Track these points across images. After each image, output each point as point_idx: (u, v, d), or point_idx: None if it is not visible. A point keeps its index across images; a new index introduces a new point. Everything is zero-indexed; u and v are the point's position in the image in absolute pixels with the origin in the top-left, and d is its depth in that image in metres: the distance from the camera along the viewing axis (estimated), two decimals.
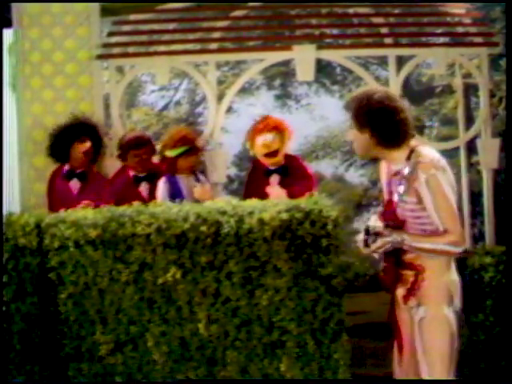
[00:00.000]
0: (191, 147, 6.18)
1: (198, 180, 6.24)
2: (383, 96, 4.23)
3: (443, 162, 4.22)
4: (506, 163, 6.51)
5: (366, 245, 4.30)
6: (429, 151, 4.26)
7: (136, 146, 6.28)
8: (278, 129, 6.19)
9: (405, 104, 4.28)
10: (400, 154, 4.27)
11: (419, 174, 4.16)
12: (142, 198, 6.05)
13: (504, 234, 6.48)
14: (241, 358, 5.16)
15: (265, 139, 6.15)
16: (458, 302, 4.32)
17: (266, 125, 6.22)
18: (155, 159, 6.38)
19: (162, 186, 6.15)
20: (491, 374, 5.70)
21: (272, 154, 6.17)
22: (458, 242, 4.17)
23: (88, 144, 6.40)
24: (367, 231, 4.27)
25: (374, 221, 4.34)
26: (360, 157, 4.51)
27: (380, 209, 4.46)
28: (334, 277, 5.01)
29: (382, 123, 4.20)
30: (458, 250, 4.19)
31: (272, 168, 6.21)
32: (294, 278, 5.04)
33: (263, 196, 5.70)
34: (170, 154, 6.15)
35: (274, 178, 6.20)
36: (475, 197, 7.17)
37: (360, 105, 4.24)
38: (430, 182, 4.14)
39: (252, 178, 6.38)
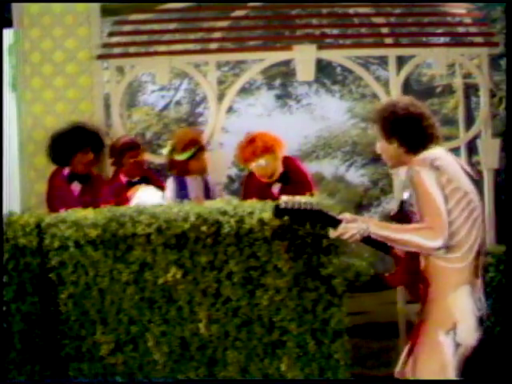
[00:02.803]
0: (200, 147, 6.17)
1: (206, 182, 6.23)
2: (407, 104, 4.16)
3: (441, 162, 4.04)
4: (506, 163, 6.51)
5: (280, 216, 4.03)
6: (431, 151, 4.12)
7: (131, 148, 6.30)
8: (269, 150, 5.97)
9: (428, 110, 4.19)
10: None
11: (409, 173, 4.08)
12: None
13: (504, 233, 6.48)
14: (241, 357, 5.16)
15: (258, 165, 6.00)
16: (464, 333, 3.94)
17: (254, 149, 5.96)
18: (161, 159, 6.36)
19: (169, 185, 6.18)
20: (491, 373, 5.70)
21: (269, 176, 6.05)
22: (433, 236, 3.87)
23: (91, 156, 6.40)
24: (276, 207, 3.98)
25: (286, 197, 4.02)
26: (391, 168, 4.39)
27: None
28: (335, 277, 5.00)
29: (409, 130, 4.11)
30: (432, 244, 3.88)
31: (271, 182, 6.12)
32: (295, 278, 5.04)
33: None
34: (181, 157, 6.12)
35: (276, 186, 6.12)
36: None
37: (385, 115, 4.15)
38: (413, 179, 4.01)
39: (251, 185, 6.25)
